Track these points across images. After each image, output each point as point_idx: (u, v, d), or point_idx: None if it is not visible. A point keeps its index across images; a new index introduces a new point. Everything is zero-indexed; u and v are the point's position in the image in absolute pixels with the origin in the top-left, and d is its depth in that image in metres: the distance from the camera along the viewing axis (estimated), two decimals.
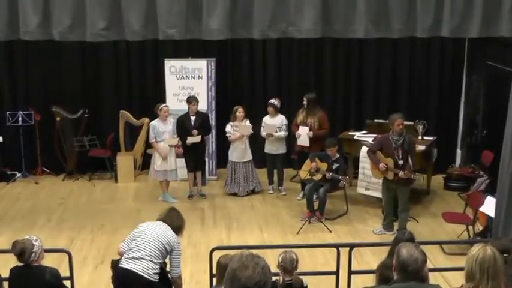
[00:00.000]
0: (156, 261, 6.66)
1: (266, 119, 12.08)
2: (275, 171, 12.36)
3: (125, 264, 6.68)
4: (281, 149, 12.21)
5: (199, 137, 11.72)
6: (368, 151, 10.47)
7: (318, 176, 10.81)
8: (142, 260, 6.61)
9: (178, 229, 6.95)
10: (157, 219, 7.04)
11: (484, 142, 12.34)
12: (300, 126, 11.68)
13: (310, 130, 11.57)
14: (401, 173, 9.79)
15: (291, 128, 11.98)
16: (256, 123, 12.09)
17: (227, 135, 11.99)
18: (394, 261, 4.70)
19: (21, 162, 13.11)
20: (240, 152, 11.99)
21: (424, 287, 4.71)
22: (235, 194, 12.13)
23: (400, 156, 9.87)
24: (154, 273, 6.64)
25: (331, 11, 8.01)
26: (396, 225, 10.32)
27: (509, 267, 5.25)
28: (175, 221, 6.96)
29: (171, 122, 11.68)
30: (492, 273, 4.55)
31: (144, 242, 6.72)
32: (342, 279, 7.66)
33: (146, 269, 6.59)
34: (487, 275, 4.54)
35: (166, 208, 7.23)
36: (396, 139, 9.88)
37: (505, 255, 5.53)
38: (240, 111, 11.86)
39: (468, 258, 4.65)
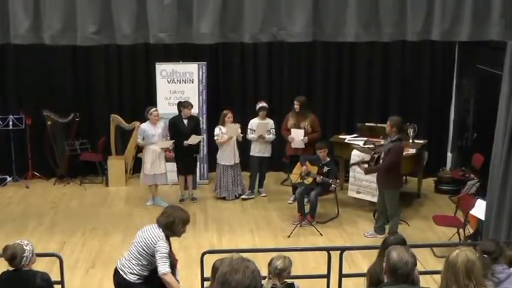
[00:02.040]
0: (135, 262, 6.73)
1: (255, 122, 12.09)
2: (258, 174, 12.39)
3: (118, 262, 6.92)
4: (267, 152, 12.27)
5: (199, 137, 11.81)
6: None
7: (309, 180, 10.82)
8: (126, 260, 6.80)
9: (167, 227, 6.71)
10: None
11: (475, 145, 12.37)
12: (293, 130, 11.68)
13: (304, 134, 11.61)
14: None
15: (281, 132, 11.99)
16: (246, 127, 12.12)
17: (215, 138, 11.99)
18: (384, 264, 4.72)
19: (12, 167, 13.08)
20: (228, 155, 11.97)
21: None
22: (223, 198, 12.14)
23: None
24: (131, 273, 6.72)
25: (321, 14, 8.01)
26: (388, 228, 10.34)
27: (485, 268, 5.30)
28: (163, 219, 6.73)
29: (161, 125, 11.69)
30: (452, 274, 4.59)
31: (133, 243, 6.85)
32: (333, 282, 7.67)
33: (124, 266, 6.76)
34: (448, 276, 4.59)
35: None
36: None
37: (484, 256, 5.59)
38: (229, 116, 11.86)
39: (444, 262, 4.72)
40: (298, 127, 11.67)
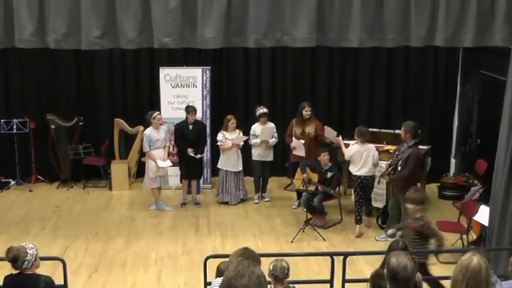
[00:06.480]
0: None
1: (257, 127, 12.06)
2: (261, 178, 12.38)
3: None
4: (269, 157, 12.22)
5: (199, 156, 11.92)
6: None
7: (312, 187, 10.78)
8: None
9: None
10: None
11: (478, 151, 12.36)
12: (294, 139, 11.65)
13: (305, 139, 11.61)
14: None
15: (285, 139, 11.97)
16: (249, 132, 12.12)
17: (218, 143, 11.98)
18: (385, 271, 4.73)
19: (15, 170, 13.06)
20: (232, 162, 11.96)
21: None
22: (226, 203, 12.13)
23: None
24: None
25: (325, 20, 8.02)
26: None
27: None
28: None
29: (164, 129, 11.71)
30: (474, 283, 4.56)
31: None
32: (336, 287, 7.66)
33: None
34: (469, 284, 4.56)
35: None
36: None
37: None
38: (232, 122, 11.86)
39: (455, 267, 4.69)
40: (304, 133, 11.64)
